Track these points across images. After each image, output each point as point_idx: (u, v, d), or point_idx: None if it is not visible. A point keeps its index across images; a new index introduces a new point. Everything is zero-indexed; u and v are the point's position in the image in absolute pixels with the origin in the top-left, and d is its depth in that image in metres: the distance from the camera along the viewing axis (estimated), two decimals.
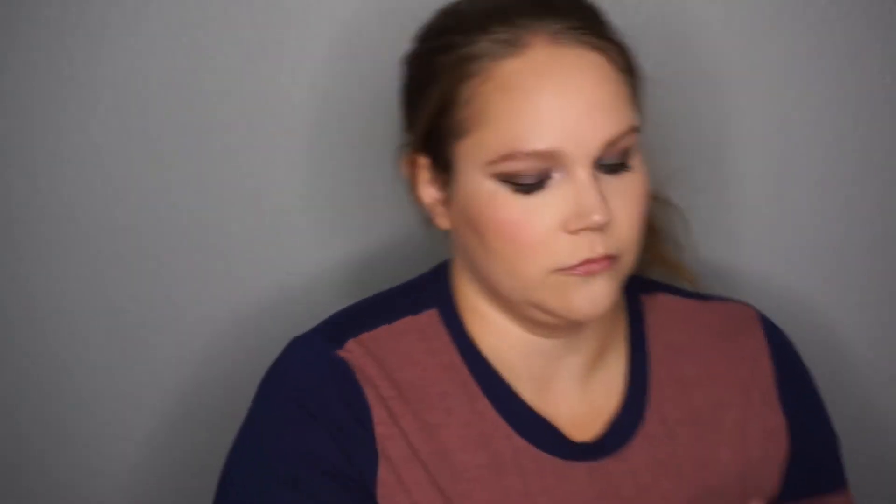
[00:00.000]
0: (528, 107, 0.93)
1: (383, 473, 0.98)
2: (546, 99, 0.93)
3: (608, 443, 1.04)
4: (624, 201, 0.95)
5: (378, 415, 0.99)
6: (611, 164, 0.95)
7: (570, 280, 0.95)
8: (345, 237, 1.33)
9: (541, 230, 0.94)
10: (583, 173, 0.93)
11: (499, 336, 1.03)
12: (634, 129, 0.97)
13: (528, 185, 0.94)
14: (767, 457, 1.09)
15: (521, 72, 0.94)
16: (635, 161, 0.98)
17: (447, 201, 1.01)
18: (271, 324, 1.29)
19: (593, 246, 0.94)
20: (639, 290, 1.11)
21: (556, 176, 0.94)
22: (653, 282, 1.14)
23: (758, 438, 1.08)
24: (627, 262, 0.98)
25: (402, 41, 1.05)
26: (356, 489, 0.98)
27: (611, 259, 0.95)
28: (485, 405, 1.02)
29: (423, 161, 1.01)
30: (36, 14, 1.26)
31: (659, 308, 1.11)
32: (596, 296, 0.95)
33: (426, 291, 1.07)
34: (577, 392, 1.05)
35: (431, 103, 0.98)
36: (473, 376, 1.03)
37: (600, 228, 0.94)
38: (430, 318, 1.05)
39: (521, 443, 1.01)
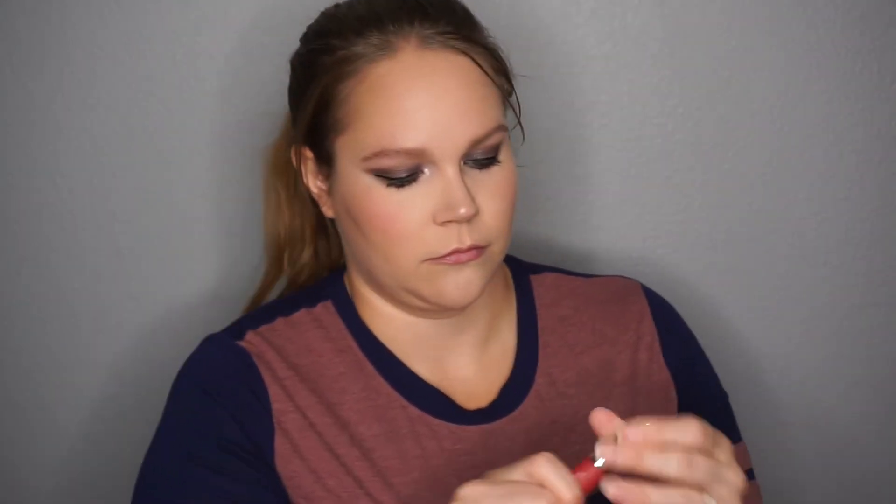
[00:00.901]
0: (397, 107, 0.99)
1: (279, 444, 1.05)
2: (414, 100, 0.99)
3: (499, 407, 1.10)
4: (491, 194, 1.02)
5: (275, 393, 1.06)
6: (480, 159, 1.02)
7: (441, 269, 1.02)
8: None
9: (412, 222, 1.00)
10: (450, 170, 1.00)
11: (388, 321, 1.10)
12: (501, 128, 1.03)
13: (401, 179, 1.00)
14: (655, 410, 1.13)
15: (391, 74, 1.00)
16: (504, 156, 1.04)
17: (330, 192, 1.07)
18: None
19: (461, 237, 1.01)
20: (528, 271, 1.19)
21: (426, 171, 1.01)
22: (541, 265, 1.21)
23: (646, 393, 1.14)
24: (497, 251, 1.05)
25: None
26: (256, 462, 1.04)
27: (478, 249, 1.02)
28: (379, 382, 1.09)
29: (308, 154, 1.08)
30: (36, 14, 1.27)
31: (547, 286, 1.18)
32: (465, 283, 1.02)
33: (322, 287, 1.14)
34: (472, 367, 1.12)
35: (313, 101, 1.04)
36: (367, 357, 1.10)
37: (467, 220, 1.00)
38: (325, 309, 1.12)
39: (415, 412, 1.08)
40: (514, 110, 1.09)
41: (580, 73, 1.34)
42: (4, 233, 1.32)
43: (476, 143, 1.01)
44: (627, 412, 1.10)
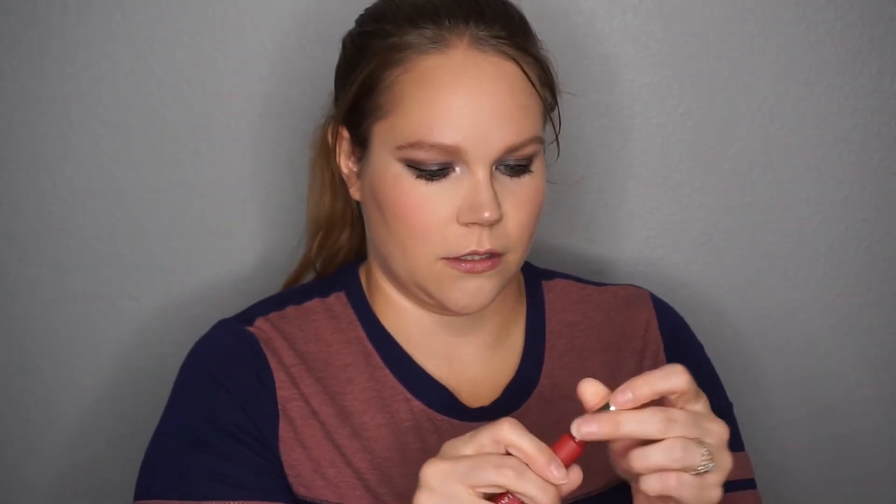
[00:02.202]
0: (439, 102, 1.00)
1: (283, 431, 1.05)
2: (457, 98, 1.00)
3: (502, 405, 1.10)
4: (518, 203, 1.03)
5: (280, 379, 1.07)
6: (513, 166, 1.03)
7: (454, 273, 1.03)
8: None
9: (435, 217, 1.01)
10: (481, 172, 1.01)
11: (399, 313, 1.11)
12: (537, 140, 1.03)
13: (430, 172, 1.01)
14: None
15: (438, 69, 1.01)
16: (536, 168, 1.05)
17: (360, 174, 1.07)
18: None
19: (481, 240, 1.01)
20: (540, 276, 1.20)
21: (457, 170, 1.01)
22: (554, 271, 1.22)
23: None
24: (513, 261, 1.05)
25: (338, 40, 1.10)
26: (260, 447, 1.05)
27: (495, 258, 1.02)
28: (385, 374, 1.09)
29: (345, 134, 1.08)
30: (36, 14, 1.27)
31: (558, 292, 1.19)
32: (474, 290, 1.03)
33: (337, 278, 1.16)
34: (479, 367, 1.12)
35: (357, 83, 1.05)
36: (375, 349, 1.10)
37: (489, 225, 1.01)
38: (337, 300, 1.13)
39: (418, 405, 1.08)
40: (553, 125, 1.09)
41: (580, 73, 1.34)
42: (4, 233, 1.32)
43: (510, 150, 1.01)
44: None
